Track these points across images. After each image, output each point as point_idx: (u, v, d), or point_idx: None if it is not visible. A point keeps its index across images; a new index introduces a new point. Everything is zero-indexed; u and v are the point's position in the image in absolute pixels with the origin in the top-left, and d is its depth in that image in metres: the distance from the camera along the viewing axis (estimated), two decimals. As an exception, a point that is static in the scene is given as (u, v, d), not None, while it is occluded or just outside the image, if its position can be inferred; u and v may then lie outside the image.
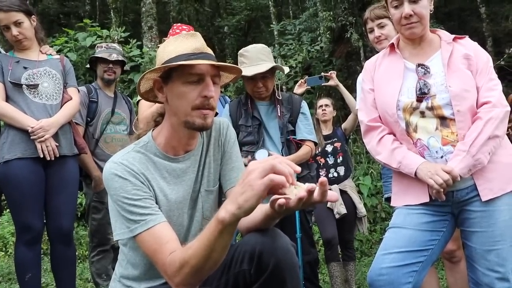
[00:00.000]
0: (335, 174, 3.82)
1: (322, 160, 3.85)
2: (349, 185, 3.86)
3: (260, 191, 1.14)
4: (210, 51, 1.58)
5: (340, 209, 3.66)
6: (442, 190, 1.83)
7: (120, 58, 3.55)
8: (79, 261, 4.95)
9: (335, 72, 3.93)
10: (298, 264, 1.49)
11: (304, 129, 2.82)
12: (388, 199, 2.60)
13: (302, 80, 3.71)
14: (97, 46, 3.69)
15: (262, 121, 2.77)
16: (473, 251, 1.91)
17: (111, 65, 3.49)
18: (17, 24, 2.78)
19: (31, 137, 2.68)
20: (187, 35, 1.58)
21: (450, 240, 2.15)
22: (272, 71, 2.76)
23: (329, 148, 3.89)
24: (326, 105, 4.05)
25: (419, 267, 1.90)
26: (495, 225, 1.85)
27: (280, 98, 2.83)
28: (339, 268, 3.67)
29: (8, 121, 2.73)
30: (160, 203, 1.56)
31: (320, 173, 3.78)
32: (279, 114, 2.77)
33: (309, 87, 3.75)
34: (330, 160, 3.86)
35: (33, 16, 2.88)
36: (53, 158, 2.74)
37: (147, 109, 2.73)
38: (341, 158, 3.87)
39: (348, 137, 4.13)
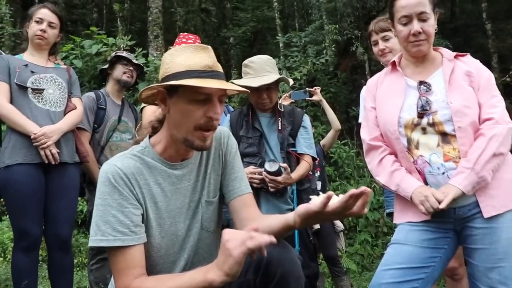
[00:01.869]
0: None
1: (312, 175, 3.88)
2: None
3: (240, 258, 1.22)
4: (220, 68, 1.56)
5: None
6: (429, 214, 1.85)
7: (140, 64, 3.55)
8: (77, 269, 4.93)
9: (320, 87, 4.06)
10: (303, 277, 1.49)
11: (304, 143, 2.80)
12: (390, 214, 2.58)
13: (287, 94, 3.84)
14: (117, 52, 3.62)
15: (263, 132, 2.76)
16: (475, 268, 1.89)
17: (131, 68, 3.46)
18: (50, 25, 2.93)
19: (34, 144, 2.69)
20: (198, 48, 1.55)
21: (452, 257, 2.13)
22: (276, 82, 2.76)
23: None
24: None
25: (419, 284, 1.88)
26: (497, 243, 1.83)
27: (282, 110, 2.82)
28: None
29: (11, 124, 2.74)
30: (149, 210, 1.56)
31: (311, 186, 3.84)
32: (279, 128, 2.75)
33: (294, 100, 3.85)
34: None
35: (61, 33, 3.06)
36: (54, 163, 2.74)
37: (151, 115, 2.72)
38: (318, 173, 3.95)
39: (326, 154, 4.22)
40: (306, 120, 2.89)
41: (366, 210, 1.32)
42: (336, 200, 1.29)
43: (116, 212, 1.47)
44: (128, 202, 1.49)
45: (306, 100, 4.14)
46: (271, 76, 2.70)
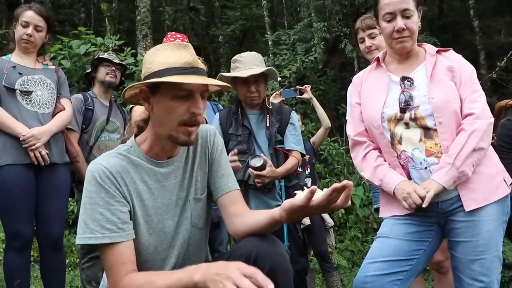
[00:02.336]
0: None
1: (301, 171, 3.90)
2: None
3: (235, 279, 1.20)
4: (201, 65, 1.58)
5: (304, 219, 3.69)
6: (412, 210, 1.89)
7: (123, 63, 3.57)
8: (70, 268, 4.93)
9: (310, 86, 4.10)
10: (292, 271, 1.52)
11: (292, 139, 2.83)
12: (377, 210, 2.62)
13: (277, 92, 3.86)
14: (99, 54, 3.70)
15: (252, 130, 2.79)
16: (458, 261, 1.94)
17: (113, 68, 3.49)
18: (36, 28, 2.90)
19: (23, 145, 2.70)
20: (178, 46, 1.57)
21: (438, 251, 2.18)
22: (265, 77, 2.80)
23: None
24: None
25: (404, 276, 1.92)
26: (479, 235, 1.87)
27: (270, 107, 2.85)
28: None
29: (0, 126, 2.73)
30: (136, 208, 1.58)
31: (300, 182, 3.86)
32: (267, 124, 2.79)
33: (284, 98, 3.89)
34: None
35: (49, 34, 3.03)
36: (44, 164, 2.75)
37: (140, 115, 2.74)
38: (308, 170, 3.98)
39: (316, 151, 4.25)
40: (294, 116, 2.92)
41: (349, 202, 1.36)
42: (320, 195, 1.33)
43: (103, 210, 1.49)
44: (115, 200, 1.51)
45: (296, 98, 4.18)
46: (260, 68, 2.75)
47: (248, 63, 2.77)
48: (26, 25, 2.88)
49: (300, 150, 2.85)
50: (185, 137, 1.55)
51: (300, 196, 1.37)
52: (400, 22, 1.97)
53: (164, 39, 3.36)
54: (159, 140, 1.61)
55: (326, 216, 3.90)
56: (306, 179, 3.92)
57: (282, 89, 3.97)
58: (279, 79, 3.00)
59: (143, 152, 1.63)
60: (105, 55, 3.56)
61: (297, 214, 1.42)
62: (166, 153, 1.65)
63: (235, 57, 2.87)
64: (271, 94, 4.03)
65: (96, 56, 3.62)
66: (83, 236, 1.49)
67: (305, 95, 3.95)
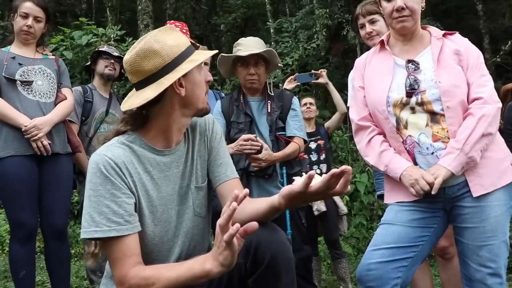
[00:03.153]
0: (318, 171, 3.84)
1: (305, 157, 3.83)
2: None
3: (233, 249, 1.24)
4: None
5: (320, 206, 3.70)
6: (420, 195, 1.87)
7: (122, 56, 3.58)
8: (76, 259, 4.96)
9: (326, 70, 4.01)
10: (293, 259, 1.50)
11: (294, 125, 2.81)
12: (380, 196, 2.61)
13: (292, 77, 3.77)
14: (98, 47, 3.73)
15: (253, 117, 2.77)
16: (465, 247, 1.92)
17: (112, 61, 3.51)
18: (36, 19, 2.90)
19: (25, 136, 2.69)
20: (170, 29, 1.59)
21: (443, 237, 2.16)
22: (265, 60, 2.79)
23: (312, 145, 3.96)
24: (310, 103, 4.14)
25: (408, 262, 1.90)
26: (486, 221, 1.85)
27: (272, 94, 2.83)
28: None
29: (1, 117, 2.73)
30: (141, 198, 1.56)
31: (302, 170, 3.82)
32: (268, 111, 2.77)
33: (299, 83, 3.82)
34: (313, 157, 3.94)
35: (47, 24, 3.03)
36: (46, 154, 2.75)
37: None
38: (324, 156, 3.95)
39: (330, 136, 4.23)
40: (296, 102, 2.90)
41: (349, 188, 1.34)
42: (318, 180, 1.31)
43: (109, 202, 1.46)
44: (121, 192, 1.48)
45: (312, 83, 4.09)
46: (260, 49, 2.75)
47: (249, 46, 2.77)
48: (25, 16, 2.87)
49: (302, 136, 2.82)
50: (207, 105, 1.64)
51: (298, 182, 1.35)
52: (399, 1, 1.94)
53: (163, 29, 3.34)
54: (171, 125, 1.59)
55: (340, 203, 3.88)
56: (321, 165, 3.90)
57: (297, 73, 3.88)
58: (280, 65, 2.97)
59: (146, 140, 1.60)
60: (104, 48, 3.59)
61: (296, 201, 1.40)
62: (170, 142, 1.63)
63: (238, 41, 2.87)
64: (285, 80, 3.98)
65: (96, 49, 3.65)
66: (89, 229, 1.45)
67: (321, 80, 3.88)
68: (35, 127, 2.69)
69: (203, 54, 1.60)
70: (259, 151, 2.59)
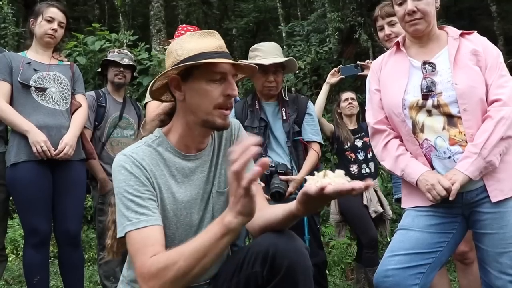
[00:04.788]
0: (367, 170, 3.62)
1: (353, 155, 3.66)
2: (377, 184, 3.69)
3: (248, 192, 1.20)
4: (227, 50, 1.60)
5: (377, 207, 3.50)
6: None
7: (131, 63, 3.58)
8: (89, 264, 4.97)
9: (371, 61, 3.56)
10: (311, 267, 1.47)
11: (310, 130, 2.79)
12: (398, 200, 2.56)
13: (336, 69, 3.43)
14: (109, 51, 3.75)
15: (268, 122, 2.75)
16: (485, 253, 1.87)
17: (122, 69, 3.51)
18: (59, 24, 2.95)
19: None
20: (204, 33, 1.58)
21: (463, 242, 2.11)
22: (283, 67, 2.78)
23: (358, 143, 3.70)
24: (352, 98, 3.85)
25: (426, 269, 1.86)
26: (506, 227, 1.81)
27: (287, 99, 2.81)
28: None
29: (8, 124, 2.76)
30: (166, 201, 1.55)
31: (352, 169, 3.60)
32: (284, 117, 2.74)
33: (343, 76, 3.41)
34: (361, 156, 3.67)
35: (66, 31, 3.09)
36: (55, 158, 2.73)
37: (155, 110, 2.72)
38: (371, 154, 3.62)
39: None
40: (311, 107, 2.88)
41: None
42: (331, 189, 1.23)
43: (133, 197, 1.45)
44: (145, 188, 1.48)
45: (357, 76, 3.55)
46: (281, 58, 2.74)
47: (269, 52, 2.76)
48: (51, 20, 2.90)
49: (319, 141, 2.80)
50: (221, 120, 1.55)
51: (310, 183, 1.29)
52: (410, 4, 1.91)
53: (176, 33, 3.36)
54: (190, 130, 1.59)
55: (387, 206, 3.64)
56: (370, 163, 3.63)
57: (341, 65, 3.60)
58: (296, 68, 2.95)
59: (172, 143, 1.60)
60: (114, 54, 3.59)
61: (312, 204, 1.35)
62: (196, 145, 1.63)
63: (255, 46, 2.85)
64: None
65: (104, 58, 3.67)
66: (123, 225, 1.44)
67: (366, 72, 3.36)
68: (71, 147, 2.75)
69: (221, 60, 1.51)
70: (287, 186, 2.57)
